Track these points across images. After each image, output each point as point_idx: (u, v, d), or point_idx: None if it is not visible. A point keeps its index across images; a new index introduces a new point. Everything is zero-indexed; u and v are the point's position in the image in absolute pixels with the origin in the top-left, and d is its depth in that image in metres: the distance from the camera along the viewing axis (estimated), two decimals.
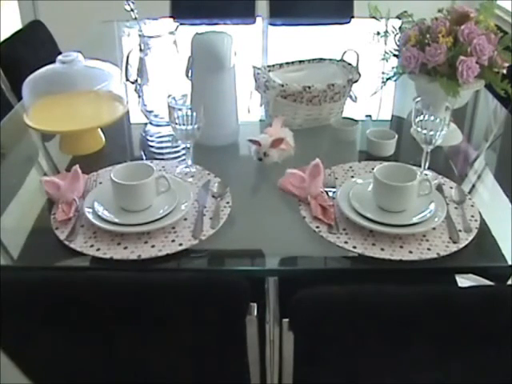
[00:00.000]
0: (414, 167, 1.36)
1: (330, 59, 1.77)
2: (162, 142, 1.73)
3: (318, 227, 1.32)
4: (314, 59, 1.77)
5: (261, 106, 1.69)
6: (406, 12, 1.60)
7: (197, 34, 1.56)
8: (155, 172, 1.34)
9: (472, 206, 1.39)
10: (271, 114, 1.64)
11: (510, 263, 1.25)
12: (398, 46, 1.63)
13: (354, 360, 1.09)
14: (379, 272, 1.24)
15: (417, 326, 1.01)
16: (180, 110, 1.44)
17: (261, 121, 1.79)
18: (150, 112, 1.75)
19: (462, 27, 1.49)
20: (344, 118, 1.68)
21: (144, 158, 1.66)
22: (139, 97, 1.72)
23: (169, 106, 1.44)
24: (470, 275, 1.32)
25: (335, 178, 1.49)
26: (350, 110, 1.78)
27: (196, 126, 1.45)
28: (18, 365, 1.19)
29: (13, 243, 1.32)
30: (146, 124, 1.80)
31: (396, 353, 1.07)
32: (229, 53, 1.52)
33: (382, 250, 1.25)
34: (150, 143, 1.74)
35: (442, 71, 1.50)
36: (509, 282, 1.29)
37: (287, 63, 1.75)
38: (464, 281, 1.49)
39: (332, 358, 1.09)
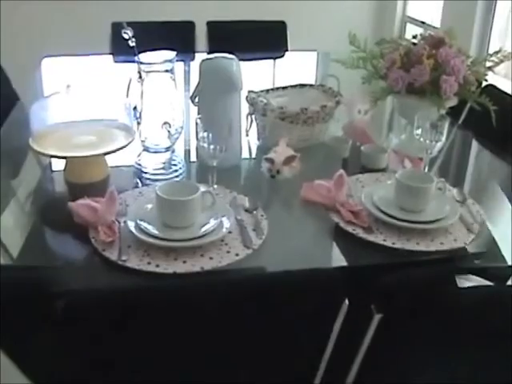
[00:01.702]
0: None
1: (311, 85, 1.91)
2: (156, 169, 1.77)
3: (354, 230, 1.44)
4: (295, 85, 1.91)
5: (259, 129, 1.79)
6: (384, 39, 1.79)
7: (205, 59, 1.64)
8: (201, 187, 1.39)
9: (473, 203, 1.58)
10: (267, 135, 1.75)
11: (509, 263, 1.37)
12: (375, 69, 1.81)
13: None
14: (422, 263, 1.38)
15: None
16: (206, 130, 1.50)
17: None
18: (147, 139, 1.79)
19: (440, 50, 1.71)
20: (337, 136, 1.83)
21: (140, 185, 1.68)
22: (138, 124, 1.75)
23: (196, 125, 1.50)
24: (470, 275, 1.41)
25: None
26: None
27: (222, 147, 1.51)
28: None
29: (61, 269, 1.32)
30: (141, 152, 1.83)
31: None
32: (239, 75, 1.62)
33: (417, 243, 1.40)
34: (144, 170, 1.77)
35: (427, 89, 1.70)
36: (509, 283, 1.38)
37: (272, 89, 1.87)
38: (464, 281, 1.65)
39: (412, 337, 1.19)
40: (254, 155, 1.82)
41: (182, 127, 1.78)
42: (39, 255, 1.38)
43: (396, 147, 1.88)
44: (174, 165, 1.77)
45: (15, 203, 1.60)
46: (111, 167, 1.70)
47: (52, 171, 1.77)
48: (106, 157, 1.68)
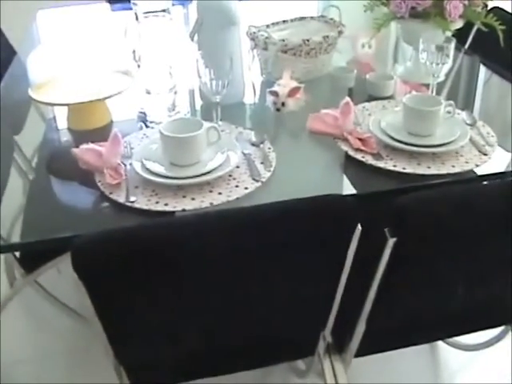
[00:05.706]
0: None
1: (312, 16, 1.87)
2: (159, 111, 1.74)
3: (363, 157, 1.41)
4: (295, 18, 1.86)
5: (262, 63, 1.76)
6: None
7: None
8: (205, 124, 1.37)
9: (483, 126, 1.55)
10: (271, 70, 1.72)
11: None
12: None
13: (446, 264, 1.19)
14: (433, 186, 1.36)
15: None
16: (207, 66, 1.47)
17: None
18: (148, 82, 1.75)
19: None
20: (341, 66, 1.80)
21: (144, 128, 1.65)
22: (139, 67, 1.72)
23: (197, 62, 1.47)
24: None
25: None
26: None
27: (225, 82, 1.49)
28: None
29: (70, 215, 1.31)
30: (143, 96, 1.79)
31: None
32: (237, 8, 1.58)
33: (429, 167, 1.38)
34: (147, 112, 1.74)
35: (431, 13, 1.65)
36: None
37: (273, 24, 1.83)
38: None
39: (427, 259, 1.18)
40: (257, 90, 1.79)
41: (183, 67, 1.75)
42: (47, 204, 1.36)
43: (402, 75, 1.84)
44: (177, 106, 1.74)
45: (20, 156, 1.58)
46: (114, 113, 1.68)
47: (55, 121, 1.75)
48: (109, 103, 1.66)
